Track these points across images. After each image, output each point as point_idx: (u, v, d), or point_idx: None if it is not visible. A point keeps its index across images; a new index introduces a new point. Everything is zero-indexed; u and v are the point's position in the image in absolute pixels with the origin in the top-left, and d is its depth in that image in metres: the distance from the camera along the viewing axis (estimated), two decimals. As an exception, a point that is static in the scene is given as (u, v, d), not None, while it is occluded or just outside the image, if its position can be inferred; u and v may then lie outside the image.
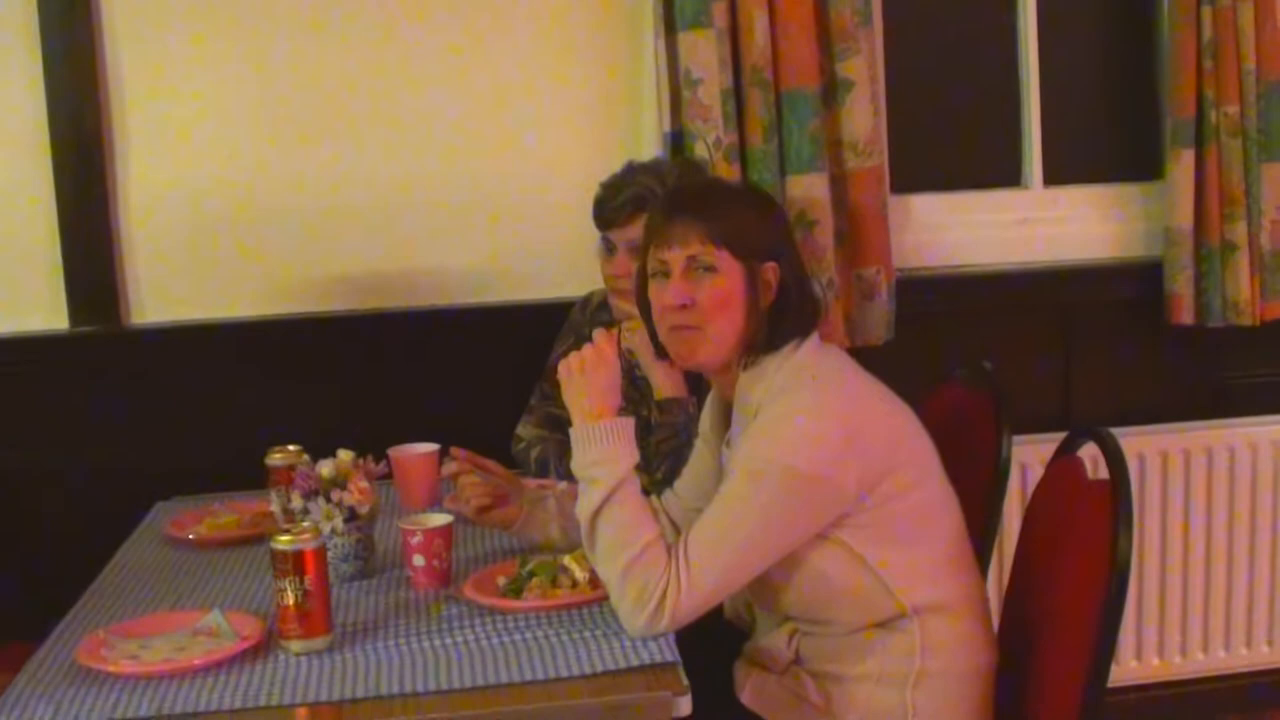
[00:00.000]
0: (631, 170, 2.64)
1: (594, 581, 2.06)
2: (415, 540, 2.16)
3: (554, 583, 2.09)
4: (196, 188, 3.02)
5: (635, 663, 1.84)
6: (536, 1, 3.06)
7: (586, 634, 1.94)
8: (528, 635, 1.95)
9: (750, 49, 2.93)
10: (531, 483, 2.43)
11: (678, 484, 2.31)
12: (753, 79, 2.94)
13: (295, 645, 1.93)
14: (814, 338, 2.08)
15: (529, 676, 1.82)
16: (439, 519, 2.20)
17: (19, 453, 2.97)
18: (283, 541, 1.93)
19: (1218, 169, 3.16)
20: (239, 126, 3.02)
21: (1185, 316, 3.21)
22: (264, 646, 1.96)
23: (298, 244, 3.06)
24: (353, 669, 1.88)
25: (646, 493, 2.05)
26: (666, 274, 2.05)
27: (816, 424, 1.97)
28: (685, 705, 1.76)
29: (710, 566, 1.91)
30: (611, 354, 2.03)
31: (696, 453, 2.28)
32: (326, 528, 2.15)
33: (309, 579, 1.92)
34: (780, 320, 2.05)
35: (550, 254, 3.08)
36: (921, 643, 2.02)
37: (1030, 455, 3.06)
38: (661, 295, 2.06)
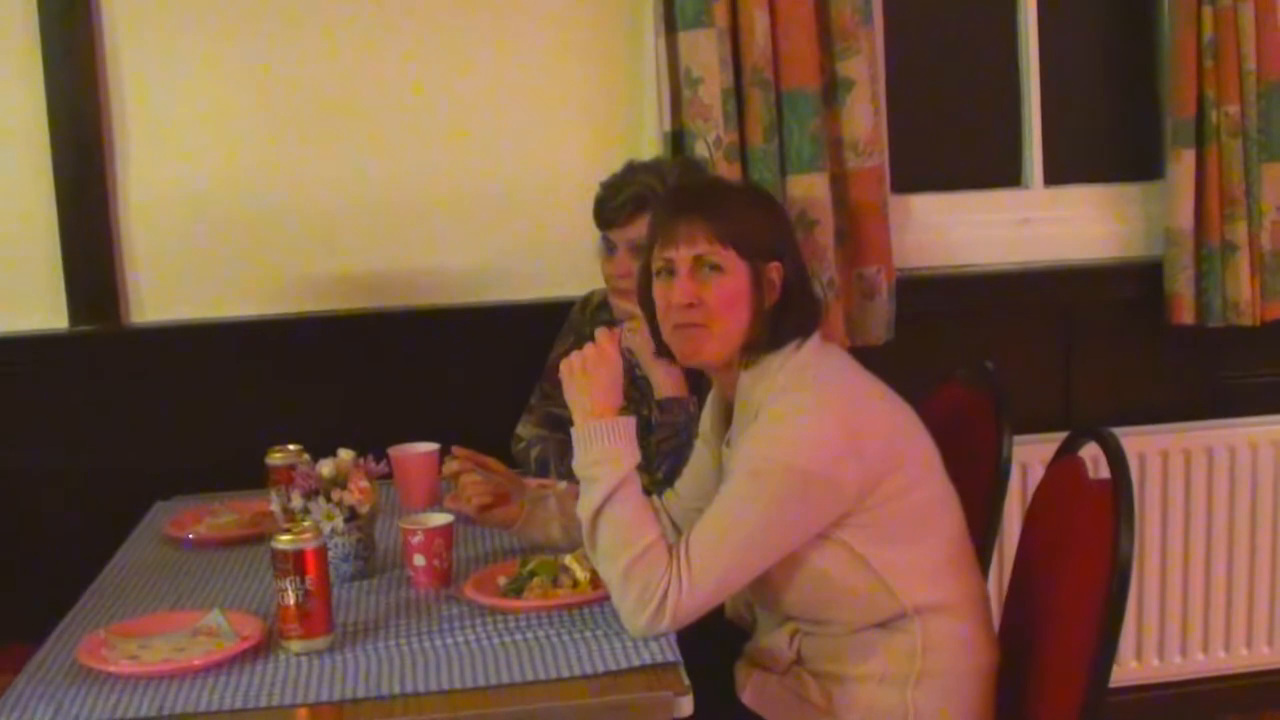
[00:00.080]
0: (632, 170, 2.64)
1: (595, 581, 2.05)
2: (416, 540, 2.16)
3: (555, 582, 2.09)
4: (196, 187, 3.02)
5: (636, 663, 1.84)
6: (537, 1, 3.05)
7: (587, 634, 1.94)
8: (528, 635, 1.95)
9: (751, 48, 2.93)
10: (532, 482, 2.42)
11: (678, 483, 2.31)
12: (753, 78, 2.94)
13: (296, 645, 1.93)
14: (815, 337, 2.08)
15: (530, 677, 1.82)
16: (439, 518, 2.20)
17: (18, 452, 2.97)
18: (283, 541, 1.93)
19: (1218, 169, 3.16)
20: (239, 126, 3.02)
21: (1185, 316, 3.21)
22: (264, 646, 1.95)
23: (298, 243, 3.05)
24: (353, 669, 1.87)
25: (647, 492, 2.05)
26: (672, 273, 2.05)
27: (818, 423, 1.97)
28: (686, 705, 1.75)
29: (711, 566, 1.91)
30: (613, 353, 2.03)
31: (697, 452, 2.28)
32: (327, 527, 2.15)
33: (309, 579, 1.91)
34: (783, 319, 2.05)
35: (550, 253, 3.08)
36: (923, 643, 2.02)
37: (1030, 455, 3.06)
38: (667, 294, 2.05)
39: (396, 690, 1.80)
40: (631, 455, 1.98)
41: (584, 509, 1.98)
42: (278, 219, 3.04)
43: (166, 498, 2.77)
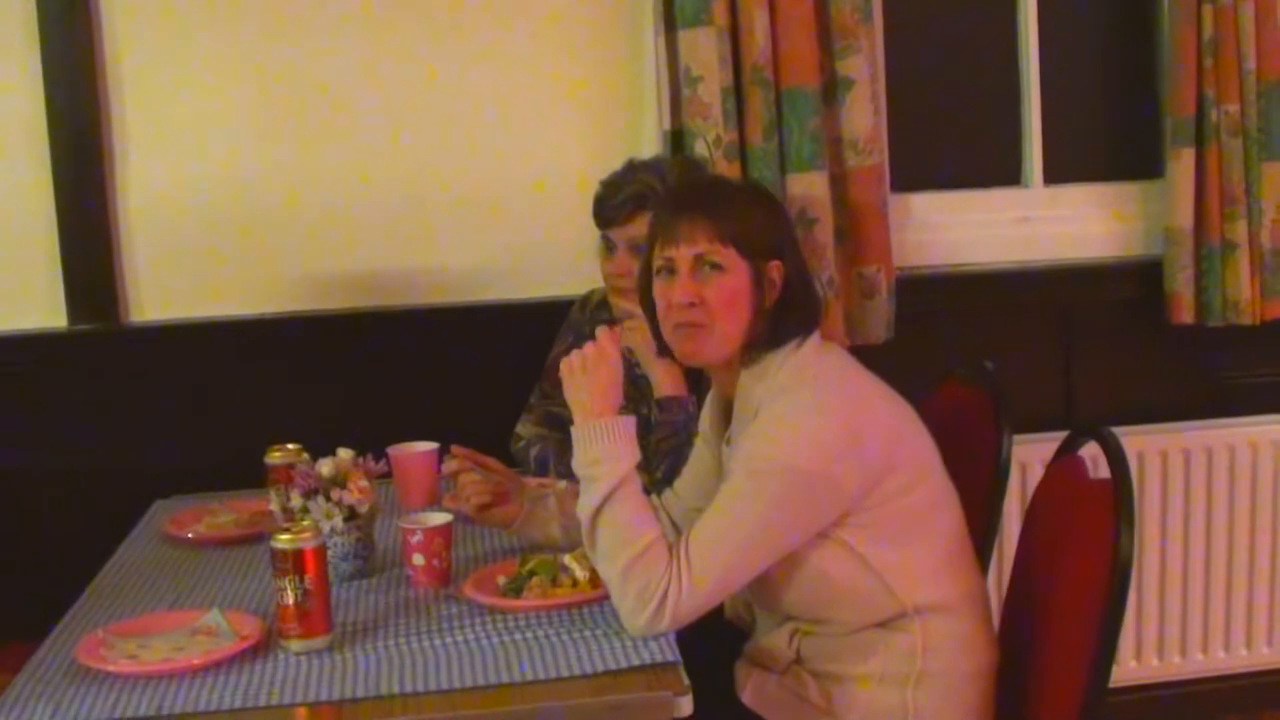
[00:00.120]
0: (632, 168, 2.64)
1: (594, 581, 2.05)
2: (415, 539, 2.16)
3: (554, 582, 2.08)
4: (195, 186, 3.02)
5: (636, 662, 1.84)
6: (536, 0, 3.05)
7: (587, 633, 1.94)
8: (528, 635, 1.95)
9: (750, 47, 2.93)
10: (531, 481, 2.42)
11: (678, 483, 2.31)
12: (753, 77, 2.94)
13: (295, 644, 1.92)
14: (815, 336, 2.08)
15: (529, 676, 1.82)
16: (439, 518, 2.20)
17: (17, 452, 2.96)
18: (282, 540, 1.92)
19: (1218, 168, 3.16)
20: (238, 125, 3.02)
21: (1185, 316, 3.21)
22: (263, 646, 1.95)
23: (297, 242, 3.05)
24: (352, 668, 1.87)
25: (647, 492, 2.05)
26: (673, 271, 2.04)
27: (818, 423, 1.97)
28: (686, 705, 1.75)
29: (711, 566, 1.91)
30: (613, 352, 2.03)
31: (696, 451, 2.28)
32: (326, 526, 2.15)
33: (309, 578, 1.91)
34: (783, 318, 2.04)
35: (550, 252, 3.08)
36: (922, 643, 2.02)
37: (1030, 455, 3.05)
38: (668, 293, 2.05)
39: (396, 690, 1.80)
40: (631, 455, 1.98)
41: (584, 508, 1.98)
42: (277, 218, 3.04)
43: (166, 497, 2.76)
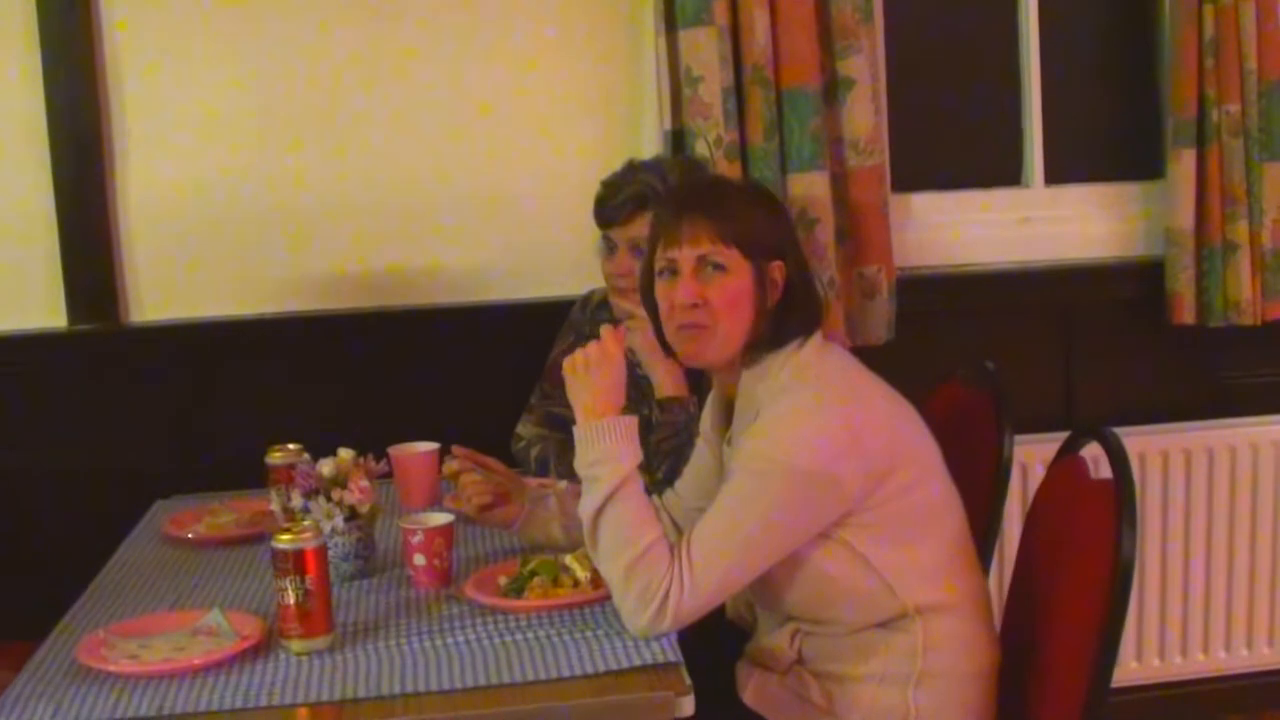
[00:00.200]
0: (632, 169, 2.64)
1: (596, 581, 2.05)
2: (416, 539, 2.15)
3: (555, 582, 2.08)
4: (196, 186, 3.01)
5: (637, 663, 1.84)
6: (537, 0, 3.05)
7: (588, 634, 1.94)
8: (529, 635, 1.94)
9: (751, 47, 2.93)
10: (532, 481, 2.42)
11: (679, 483, 2.31)
12: (754, 77, 2.94)
13: (296, 645, 1.92)
14: (817, 336, 2.08)
15: (531, 676, 1.82)
16: (440, 518, 2.19)
17: (18, 452, 2.96)
18: (283, 540, 1.92)
19: (1219, 168, 3.16)
20: (238, 125, 3.02)
21: (1186, 316, 3.21)
22: (264, 646, 1.95)
23: (296, 242, 3.05)
24: (354, 669, 1.87)
25: (648, 492, 2.04)
26: (675, 272, 2.04)
27: (819, 423, 1.97)
28: (688, 705, 1.75)
29: (713, 566, 1.91)
30: (617, 352, 2.02)
31: (697, 452, 2.28)
32: (327, 527, 2.14)
33: (310, 578, 1.91)
34: (785, 319, 2.04)
35: (550, 252, 3.08)
36: (924, 643, 2.02)
37: (1031, 455, 3.06)
38: (670, 294, 2.05)
39: (397, 690, 1.80)
40: (633, 455, 1.98)
41: (585, 508, 1.98)
42: (277, 219, 3.04)
43: (166, 497, 2.76)
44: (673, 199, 2.18)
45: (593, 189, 2.65)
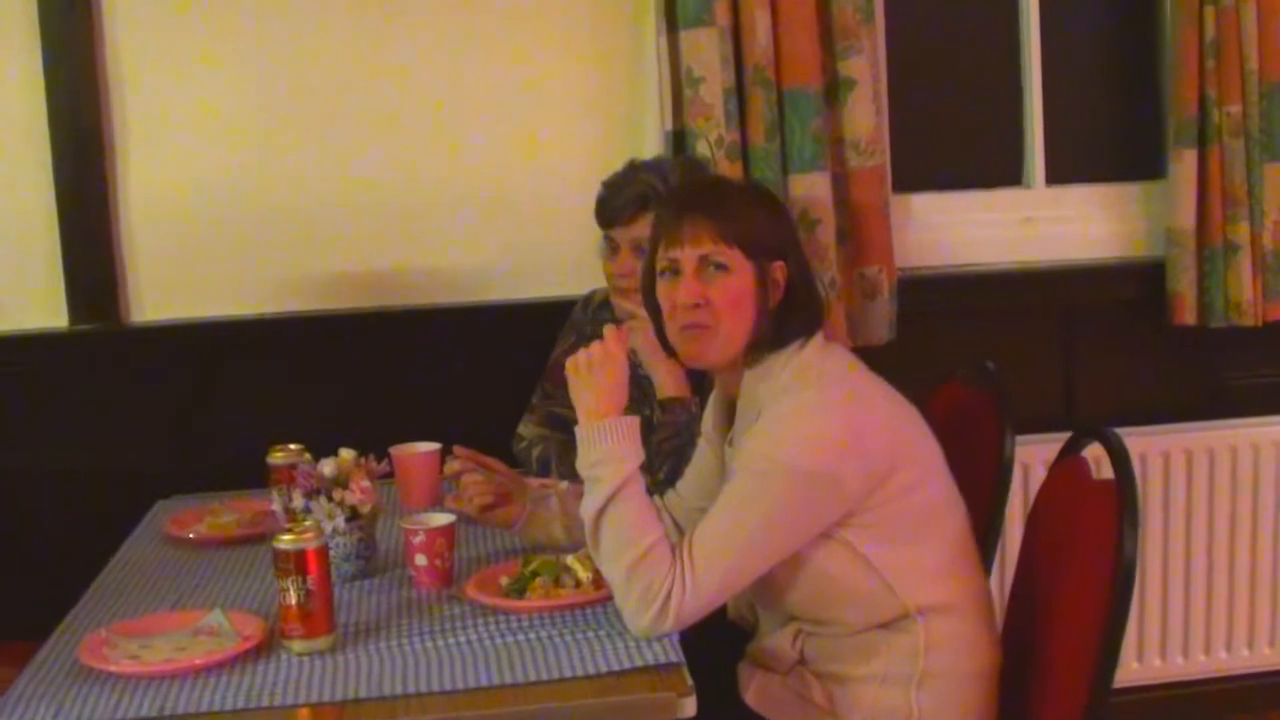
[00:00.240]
0: (634, 169, 2.63)
1: (597, 581, 2.05)
2: (417, 540, 2.15)
3: (557, 583, 2.08)
4: (197, 185, 3.01)
5: (639, 663, 1.83)
6: (538, 0, 3.05)
7: (590, 634, 1.94)
8: (531, 635, 1.94)
9: (752, 47, 2.93)
10: (534, 482, 2.42)
11: (680, 484, 2.31)
12: (755, 77, 2.93)
13: (297, 645, 1.92)
14: (819, 336, 2.08)
15: (532, 677, 1.81)
16: (441, 518, 2.19)
17: (18, 452, 2.96)
18: (285, 541, 1.92)
19: (1220, 169, 3.16)
20: (239, 124, 3.02)
21: (1187, 317, 3.20)
22: (266, 646, 1.95)
23: (298, 242, 3.05)
24: (355, 669, 1.87)
25: (649, 493, 2.04)
26: (677, 272, 2.04)
27: (820, 423, 1.96)
28: (690, 706, 1.75)
29: (714, 567, 1.91)
30: (620, 352, 2.02)
31: (699, 452, 2.28)
32: (328, 527, 2.14)
33: (311, 578, 1.91)
34: (787, 319, 2.04)
35: (551, 252, 3.08)
36: (926, 643, 2.02)
37: (1032, 455, 3.05)
38: (673, 294, 2.05)
39: (398, 690, 1.79)
40: (635, 455, 1.98)
41: (587, 509, 1.98)
42: (278, 218, 3.03)
43: (167, 497, 2.76)
44: (674, 199, 2.18)
45: (593, 189, 2.65)
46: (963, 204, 3.35)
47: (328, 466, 2.21)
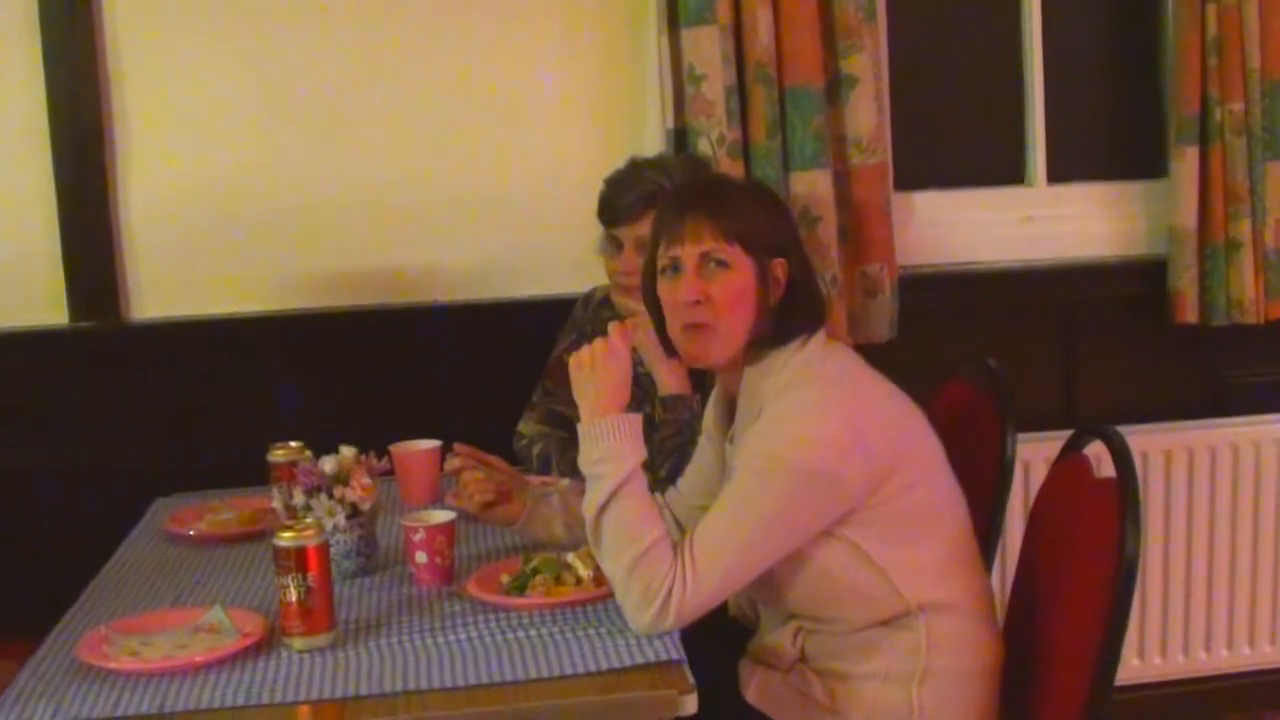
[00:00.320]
0: (638, 167, 2.63)
1: (598, 579, 2.05)
2: (418, 537, 2.15)
3: (558, 580, 2.08)
4: (197, 183, 3.01)
5: (640, 661, 1.83)
6: (539, -1, 3.06)
7: (591, 631, 1.94)
8: (531, 633, 1.94)
9: (754, 45, 2.92)
10: (534, 479, 2.42)
11: (681, 481, 2.30)
12: (756, 75, 2.93)
13: (298, 642, 1.92)
14: (820, 334, 2.07)
15: (533, 674, 1.81)
16: (441, 516, 2.19)
17: (18, 450, 2.96)
18: (285, 538, 1.92)
19: (1222, 167, 3.16)
20: (240, 122, 3.02)
21: (1189, 315, 3.20)
22: (266, 643, 1.95)
23: (299, 240, 3.05)
24: (355, 666, 1.87)
25: (650, 490, 2.04)
26: (678, 270, 2.04)
27: (822, 421, 1.96)
28: (690, 703, 1.75)
29: (715, 564, 1.90)
30: (623, 348, 2.02)
31: (700, 450, 2.28)
32: (329, 524, 2.14)
33: (311, 575, 1.91)
34: (788, 316, 2.04)
35: (552, 250, 3.07)
36: (927, 641, 2.02)
37: (1033, 453, 3.05)
38: (674, 291, 2.04)
39: (398, 687, 1.79)
40: (637, 453, 1.98)
41: (588, 506, 1.98)
42: (278, 216, 3.03)
43: (167, 494, 2.76)
44: (675, 197, 2.18)
45: (594, 188, 2.65)
46: (964, 202, 3.35)
47: (328, 464, 2.21)
